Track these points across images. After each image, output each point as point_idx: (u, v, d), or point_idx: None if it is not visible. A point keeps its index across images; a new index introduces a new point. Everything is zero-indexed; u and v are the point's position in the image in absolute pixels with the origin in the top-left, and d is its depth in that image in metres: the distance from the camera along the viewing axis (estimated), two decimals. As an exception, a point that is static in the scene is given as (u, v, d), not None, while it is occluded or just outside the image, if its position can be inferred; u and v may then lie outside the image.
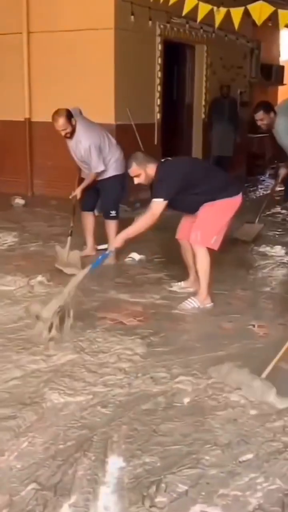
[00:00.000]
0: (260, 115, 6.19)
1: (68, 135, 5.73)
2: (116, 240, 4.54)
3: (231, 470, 2.66)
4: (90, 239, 6.21)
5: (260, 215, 6.98)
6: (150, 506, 2.41)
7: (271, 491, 2.52)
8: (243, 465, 2.69)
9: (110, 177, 5.86)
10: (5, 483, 2.56)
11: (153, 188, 4.54)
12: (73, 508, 2.40)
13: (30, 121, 9.53)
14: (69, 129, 5.67)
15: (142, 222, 4.48)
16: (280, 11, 7.70)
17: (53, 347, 3.87)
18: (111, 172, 5.84)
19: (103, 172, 5.81)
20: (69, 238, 5.78)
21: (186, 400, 3.28)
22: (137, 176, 4.57)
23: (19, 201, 8.92)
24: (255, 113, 6.31)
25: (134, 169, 4.57)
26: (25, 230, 7.25)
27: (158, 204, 4.42)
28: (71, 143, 5.82)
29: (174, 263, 5.45)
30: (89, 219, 6.18)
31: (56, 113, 5.66)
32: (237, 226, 6.52)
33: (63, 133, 5.71)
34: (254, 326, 4.34)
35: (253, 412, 3.13)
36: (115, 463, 2.70)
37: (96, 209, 6.17)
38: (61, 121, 5.61)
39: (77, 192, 5.89)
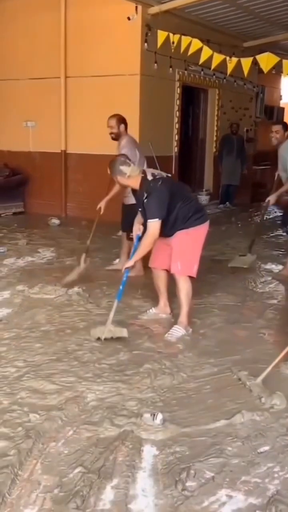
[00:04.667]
0: (277, 127, 6.06)
1: (113, 135, 5.86)
2: (129, 262, 4.25)
3: (251, 460, 2.65)
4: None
5: (251, 247, 6.47)
6: (182, 490, 2.41)
7: (287, 479, 2.52)
8: (261, 456, 2.69)
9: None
10: (55, 466, 2.57)
11: (146, 210, 4.13)
12: (115, 490, 2.40)
13: (66, 152, 9.60)
14: (114, 130, 5.85)
15: (146, 243, 4.14)
16: (284, 61, 7.79)
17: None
18: None
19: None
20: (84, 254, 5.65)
21: (209, 397, 3.28)
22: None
23: (55, 221, 8.97)
24: (274, 125, 6.24)
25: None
26: (61, 246, 7.28)
27: (155, 224, 4.06)
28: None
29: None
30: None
31: (112, 115, 5.93)
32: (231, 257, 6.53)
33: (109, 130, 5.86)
34: (264, 333, 4.32)
35: (268, 410, 3.12)
36: (149, 451, 2.70)
37: None
38: (111, 122, 5.84)
39: (101, 204, 5.99)
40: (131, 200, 5.85)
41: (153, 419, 2.91)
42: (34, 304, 4.86)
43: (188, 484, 2.45)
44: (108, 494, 2.37)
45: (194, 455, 2.67)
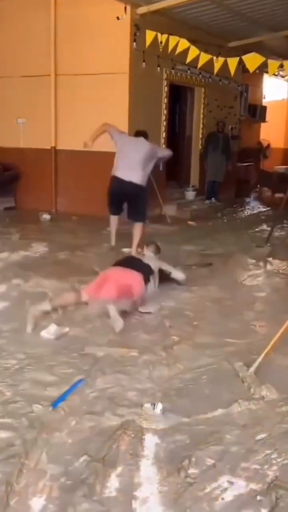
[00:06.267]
0: None
1: None
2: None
3: (249, 447, 2.67)
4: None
5: (269, 238, 6.96)
6: (185, 477, 2.42)
7: (285, 465, 2.54)
8: (259, 443, 2.71)
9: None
10: (60, 455, 2.57)
11: None
12: (120, 478, 2.40)
13: (56, 149, 9.55)
14: None
15: None
16: (269, 61, 7.82)
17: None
18: None
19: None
20: None
21: (206, 387, 3.29)
22: None
23: (46, 216, 8.93)
24: None
25: None
26: (53, 241, 7.22)
27: None
28: None
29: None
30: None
31: None
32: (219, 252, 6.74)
33: None
34: (255, 325, 4.34)
35: (262, 399, 3.14)
36: (151, 440, 2.70)
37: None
38: None
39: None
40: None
41: (153, 409, 2.92)
42: (31, 297, 4.81)
43: (190, 471, 2.46)
44: (114, 482, 2.37)
45: (194, 443, 2.68)
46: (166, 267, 5.11)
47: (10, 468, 2.43)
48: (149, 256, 5.15)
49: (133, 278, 4.52)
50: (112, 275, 4.51)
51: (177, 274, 5.16)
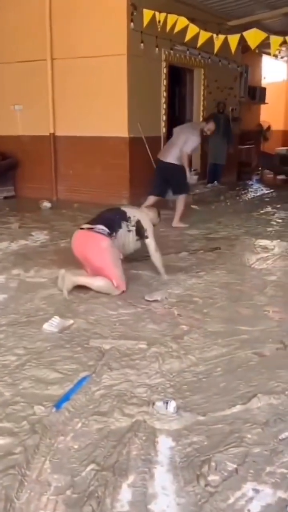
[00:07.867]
0: None
1: None
2: None
3: (273, 448, 2.37)
4: None
5: None
6: (205, 485, 2.12)
7: (315, 468, 2.24)
8: (283, 443, 2.41)
9: None
10: (65, 463, 2.27)
11: None
12: (132, 489, 2.11)
13: (54, 135, 9.18)
14: None
15: None
16: (272, 37, 7.41)
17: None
18: None
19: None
20: None
21: (221, 380, 2.99)
22: None
23: (47, 204, 8.58)
24: None
25: None
26: (54, 229, 6.91)
27: None
28: None
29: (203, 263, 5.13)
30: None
31: None
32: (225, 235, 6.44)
33: None
34: (269, 311, 4.02)
35: (283, 392, 2.84)
36: (165, 442, 2.41)
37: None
38: None
39: None
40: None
41: (166, 407, 2.62)
42: (30, 288, 4.52)
43: (210, 478, 2.16)
44: (125, 494, 2.08)
45: (213, 445, 2.38)
46: (147, 226, 4.61)
47: (10, 481, 2.14)
48: (142, 212, 4.85)
49: (94, 247, 4.37)
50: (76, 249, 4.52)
51: (151, 242, 4.61)
